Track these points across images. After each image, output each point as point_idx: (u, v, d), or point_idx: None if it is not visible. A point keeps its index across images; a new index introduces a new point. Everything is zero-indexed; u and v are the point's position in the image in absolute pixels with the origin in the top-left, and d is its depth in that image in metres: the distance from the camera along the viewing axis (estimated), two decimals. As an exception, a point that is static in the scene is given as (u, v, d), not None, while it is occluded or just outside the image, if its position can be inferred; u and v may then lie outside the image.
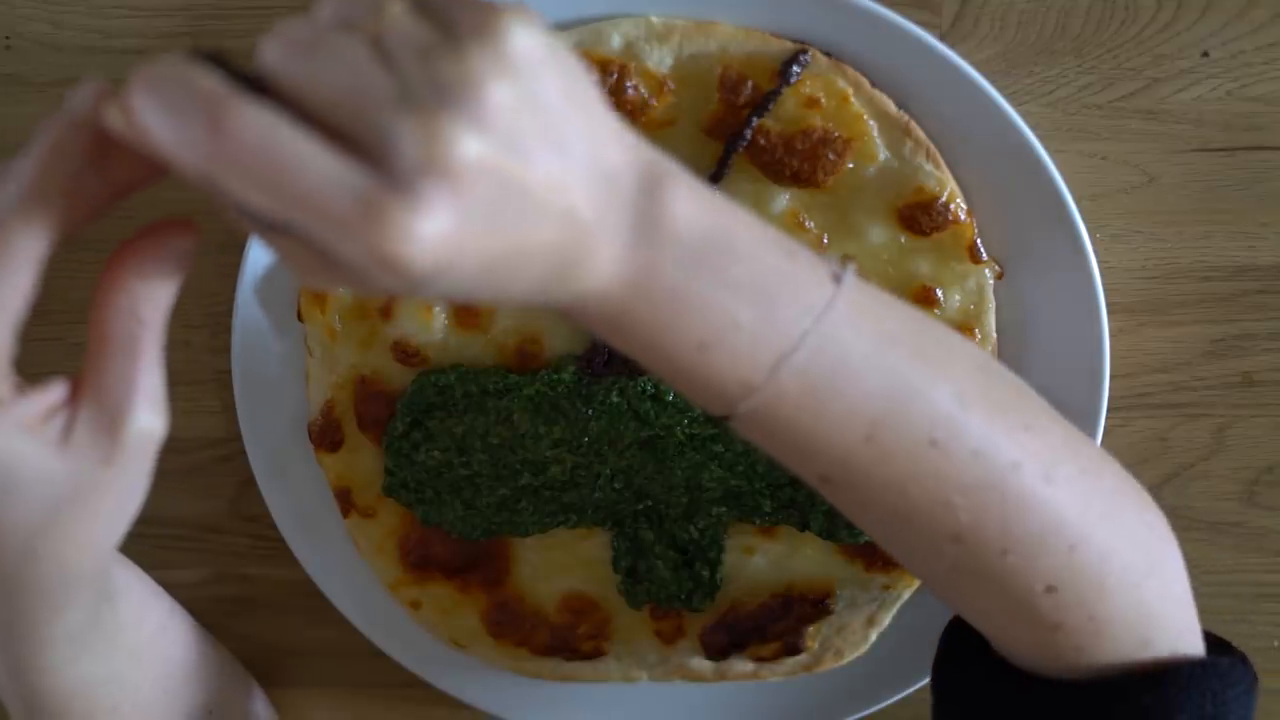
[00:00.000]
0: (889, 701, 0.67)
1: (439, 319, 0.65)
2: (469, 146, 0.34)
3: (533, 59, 0.35)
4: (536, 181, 0.36)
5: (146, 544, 0.69)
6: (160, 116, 0.35)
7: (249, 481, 0.67)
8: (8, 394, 0.39)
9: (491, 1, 0.36)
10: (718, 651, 0.67)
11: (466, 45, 0.35)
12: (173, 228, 0.41)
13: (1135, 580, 0.47)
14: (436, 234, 0.34)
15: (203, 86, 0.34)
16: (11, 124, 0.67)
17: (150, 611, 0.59)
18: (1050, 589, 0.46)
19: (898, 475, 0.44)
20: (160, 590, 0.62)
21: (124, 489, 0.42)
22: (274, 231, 0.36)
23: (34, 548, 0.42)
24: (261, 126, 0.34)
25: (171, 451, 0.68)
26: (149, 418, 0.41)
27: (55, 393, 0.40)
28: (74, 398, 0.41)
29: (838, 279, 0.42)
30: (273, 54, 0.35)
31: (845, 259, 0.44)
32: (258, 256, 0.65)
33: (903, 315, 0.45)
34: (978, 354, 0.47)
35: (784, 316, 0.41)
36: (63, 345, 0.66)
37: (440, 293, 0.37)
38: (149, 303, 0.41)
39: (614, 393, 0.64)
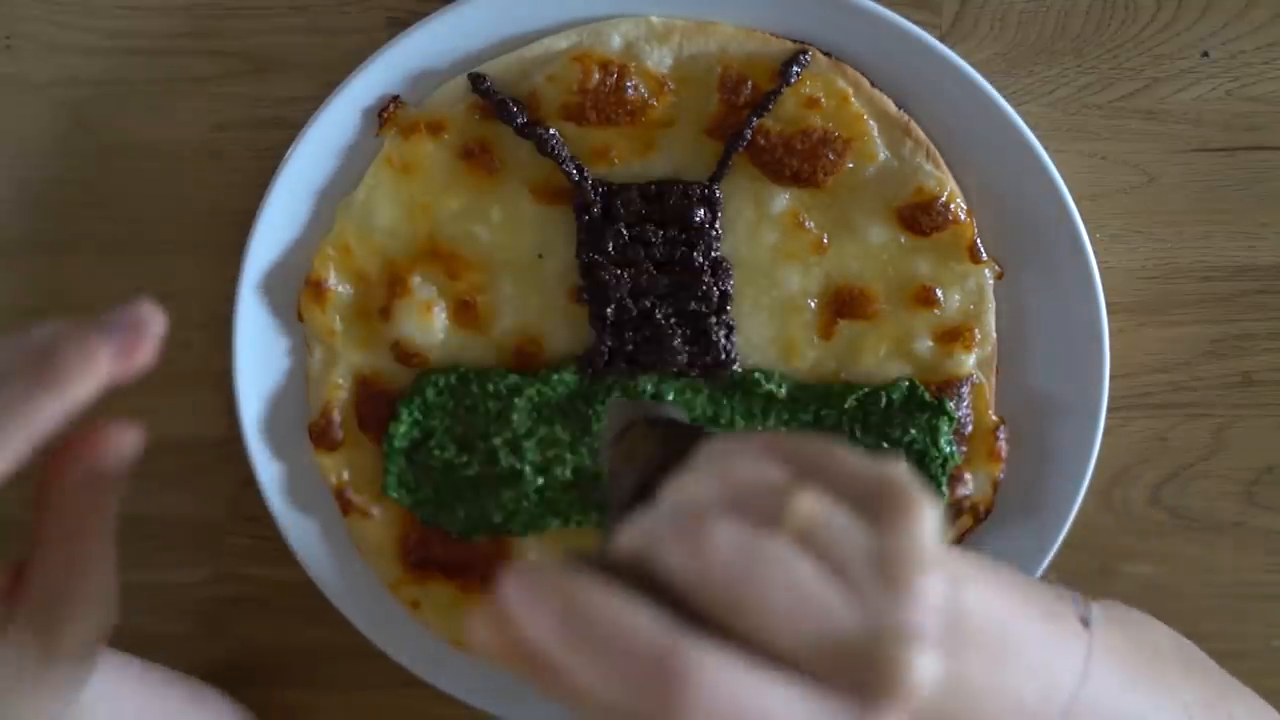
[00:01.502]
0: (889, 701, 0.67)
1: (439, 319, 0.65)
2: (930, 670, 0.33)
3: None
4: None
5: (147, 544, 0.70)
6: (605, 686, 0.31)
7: (249, 481, 0.67)
8: None
9: (903, 484, 0.34)
10: (718, 651, 0.67)
11: (907, 555, 0.33)
12: (123, 431, 0.40)
13: None
14: None
15: (650, 644, 0.31)
16: (12, 124, 0.67)
17: (125, 705, 0.57)
18: None
19: None
20: (142, 672, 0.59)
21: (65, 679, 0.41)
22: None
23: None
24: (727, 688, 0.31)
25: (171, 451, 0.69)
26: (88, 621, 0.40)
27: None
28: (14, 592, 0.40)
29: (1085, 621, 0.45)
30: (679, 556, 0.32)
31: (1086, 599, 0.46)
32: (259, 257, 0.65)
33: (1132, 639, 0.48)
34: (1182, 649, 0.51)
35: (1058, 684, 0.43)
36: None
37: None
38: (98, 502, 0.40)
39: (615, 392, 0.64)
